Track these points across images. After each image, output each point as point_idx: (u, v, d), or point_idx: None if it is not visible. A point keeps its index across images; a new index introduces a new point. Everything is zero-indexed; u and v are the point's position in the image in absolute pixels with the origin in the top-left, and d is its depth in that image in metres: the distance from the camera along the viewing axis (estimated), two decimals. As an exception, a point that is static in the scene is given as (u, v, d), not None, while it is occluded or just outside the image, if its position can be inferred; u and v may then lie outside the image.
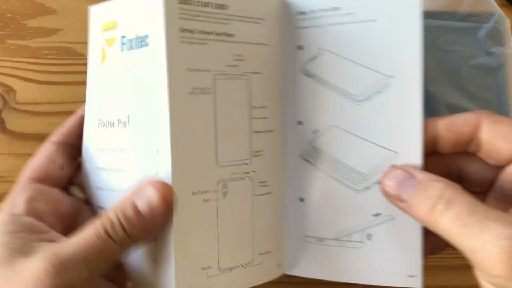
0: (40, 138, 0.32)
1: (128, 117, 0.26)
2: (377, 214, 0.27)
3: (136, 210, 0.23)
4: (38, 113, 0.36)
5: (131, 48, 0.26)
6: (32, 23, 0.37)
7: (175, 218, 0.24)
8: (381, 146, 0.26)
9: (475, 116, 0.24)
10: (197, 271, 0.25)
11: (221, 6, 0.26)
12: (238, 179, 0.26)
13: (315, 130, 0.27)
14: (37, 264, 0.21)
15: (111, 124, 0.27)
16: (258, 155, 0.27)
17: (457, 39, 0.33)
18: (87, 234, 0.23)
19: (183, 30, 0.25)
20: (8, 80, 0.36)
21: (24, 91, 0.36)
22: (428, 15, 0.33)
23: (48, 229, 0.24)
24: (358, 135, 0.27)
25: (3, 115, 0.36)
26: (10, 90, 0.36)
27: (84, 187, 0.29)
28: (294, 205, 0.28)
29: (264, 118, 0.27)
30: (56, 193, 0.27)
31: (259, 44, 0.27)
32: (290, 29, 0.28)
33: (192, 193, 0.25)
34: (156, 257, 0.25)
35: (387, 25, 0.26)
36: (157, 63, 0.25)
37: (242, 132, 0.26)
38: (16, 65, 0.36)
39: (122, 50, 0.27)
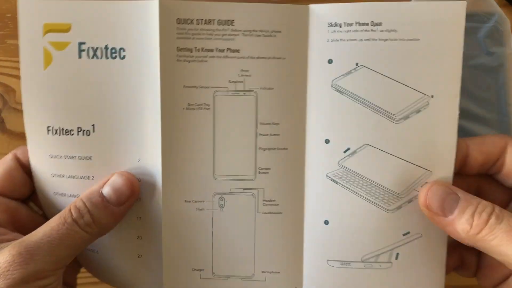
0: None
1: (93, 125, 0.27)
2: (406, 233, 0.27)
3: (102, 195, 0.26)
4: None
5: (95, 56, 0.27)
6: (31, 22, 0.36)
7: (163, 218, 0.27)
8: (416, 165, 0.27)
9: (502, 137, 0.26)
10: (187, 270, 0.28)
11: (226, 22, 0.26)
12: (238, 193, 0.27)
13: (346, 148, 0.27)
14: (4, 256, 0.22)
15: (68, 132, 0.27)
16: (265, 173, 0.27)
17: (457, 39, 0.33)
18: (53, 221, 0.24)
19: (181, 50, 0.26)
20: (8, 80, 0.37)
21: (24, 91, 0.36)
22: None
23: (9, 231, 0.25)
24: (392, 153, 0.27)
25: (3, 115, 0.36)
26: (10, 90, 0.36)
27: (38, 194, 0.29)
28: (317, 227, 0.28)
29: (275, 135, 0.27)
30: (14, 204, 0.27)
31: (271, 58, 0.27)
32: (320, 41, 0.27)
33: (185, 200, 0.27)
34: (142, 253, 0.28)
35: (430, 45, 0.26)
36: (145, 79, 0.27)
37: (245, 148, 0.27)
38: (16, 65, 0.36)
39: (80, 57, 0.27)
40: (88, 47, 0.27)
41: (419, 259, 0.27)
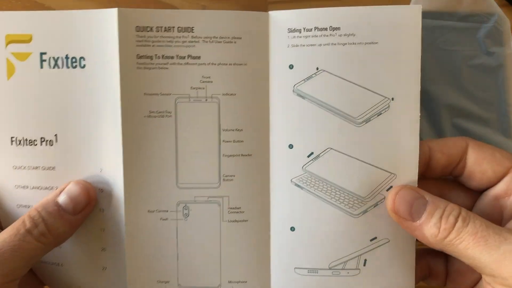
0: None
1: (55, 135, 0.27)
2: (373, 238, 0.27)
3: (58, 204, 0.25)
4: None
5: (56, 66, 0.27)
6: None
7: (126, 230, 0.27)
8: (380, 168, 0.27)
9: (463, 139, 0.26)
10: (152, 282, 0.27)
11: (186, 29, 0.26)
12: (202, 202, 0.27)
13: (310, 153, 0.27)
14: None
15: (31, 142, 0.27)
16: (229, 180, 0.27)
17: (457, 39, 0.33)
18: (5, 233, 0.24)
19: (141, 57, 0.26)
20: None
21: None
22: (428, 15, 0.33)
23: None
24: (356, 157, 0.27)
25: None
26: None
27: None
28: (283, 235, 0.28)
29: (238, 141, 0.27)
30: None
31: (232, 64, 0.27)
32: (280, 47, 0.27)
33: (148, 210, 0.27)
34: (106, 266, 0.27)
35: (388, 48, 0.26)
36: (105, 87, 0.27)
37: (208, 155, 0.27)
38: None
39: (42, 67, 0.27)
40: (49, 57, 0.27)
41: (388, 264, 0.27)
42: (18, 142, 0.27)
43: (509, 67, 0.33)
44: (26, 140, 0.27)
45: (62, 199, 0.25)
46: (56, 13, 0.27)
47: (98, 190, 0.27)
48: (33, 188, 0.28)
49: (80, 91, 0.27)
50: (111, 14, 0.26)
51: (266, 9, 0.27)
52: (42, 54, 0.27)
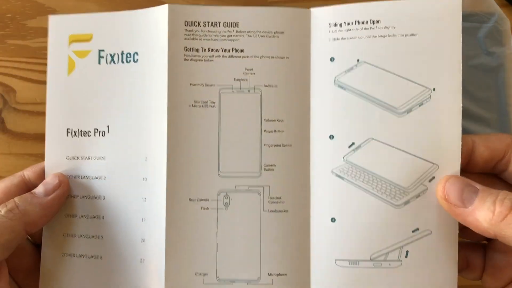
0: (40, 138, 0.34)
1: (108, 126, 0.29)
2: (415, 230, 0.27)
3: (32, 192, 0.27)
4: (38, 113, 0.37)
5: (112, 62, 0.29)
6: (32, 23, 0.37)
7: (167, 219, 0.27)
8: (422, 159, 0.27)
9: (508, 135, 0.26)
10: (190, 275, 0.27)
11: (231, 24, 0.27)
12: (243, 191, 0.27)
13: (351, 144, 0.27)
14: None
15: (86, 134, 0.29)
16: (270, 169, 0.28)
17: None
18: None
19: (188, 50, 0.28)
20: (8, 80, 0.37)
21: (24, 91, 0.37)
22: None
23: None
24: (398, 147, 0.27)
25: (3, 115, 0.37)
26: (10, 90, 0.37)
27: None
28: (324, 226, 0.28)
29: (279, 131, 0.28)
30: None
31: (274, 57, 0.28)
32: (321, 41, 0.28)
33: (189, 199, 0.27)
34: (144, 258, 0.28)
35: (429, 39, 0.27)
36: (154, 79, 0.28)
37: (250, 144, 0.28)
38: (16, 65, 0.37)
39: (99, 63, 0.29)
40: (107, 54, 0.29)
41: (430, 256, 0.26)
42: (73, 134, 0.29)
43: (509, 67, 0.33)
44: (81, 131, 0.29)
45: (36, 188, 0.28)
46: (115, 14, 0.29)
47: (141, 179, 0.28)
48: (83, 178, 0.29)
49: (133, 83, 0.29)
50: (163, 11, 0.28)
51: (308, 5, 0.29)
52: (100, 51, 0.29)
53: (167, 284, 0.27)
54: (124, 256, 0.28)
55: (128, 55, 0.29)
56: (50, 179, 0.28)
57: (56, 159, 0.29)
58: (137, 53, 0.29)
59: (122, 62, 0.29)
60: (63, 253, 0.29)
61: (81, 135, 0.29)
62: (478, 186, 0.24)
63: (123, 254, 0.28)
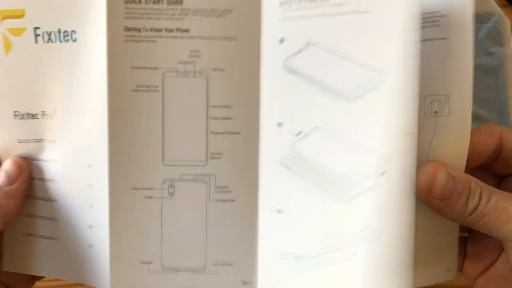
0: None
1: (54, 109, 0.28)
2: (364, 228, 0.25)
3: None
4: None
5: (50, 41, 0.27)
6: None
7: (110, 207, 0.27)
8: (372, 149, 0.25)
9: (497, 126, 0.27)
10: (135, 262, 0.27)
11: (175, 1, 0.25)
12: (188, 180, 0.26)
13: (298, 132, 0.26)
14: None
15: (33, 116, 0.28)
16: (217, 158, 0.27)
17: (457, 38, 0.32)
18: None
19: (129, 29, 0.26)
20: None
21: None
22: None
23: None
24: (348, 136, 0.25)
25: None
26: None
27: None
28: (270, 217, 0.27)
29: (227, 118, 0.26)
30: None
31: (222, 38, 0.26)
32: (271, 21, 0.26)
33: (133, 188, 0.27)
34: (92, 244, 0.28)
35: (383, 17, 0.24)
36: (94, 61, 0.26)
37: (196, 132, 0.26)
38: None
39: (36, 41, 0.27)
40: (43, 32, 0.27)
41: (380, 258, 0.25)
42: (21, 116, 0.28)
43: (509, 67, 0.32)
44: (29, 114, 0.28)
45: None
46: (46, -13, 0.27)
47: (87, 165, 0.27)
48: (37, 160, 0.28)
49: (74, 64, 0.27)
50: (100, -14, 0.26)
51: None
52: (35, 29, 0.27)
53: (112, 271, 0.27)
54: (75, 240, 0.28)
55: (66, 33, 0.27)
56: (10, 166, 0.27)
57: (8, 142, 0.28)
58: (74, 32, 0.27)
59: (60, 41, 0.27)
60: (23, 232, 0.29)
61: (30, 118, 0.28)
62: (453, 172, 0.25)
63: (74, 238, 0.28)
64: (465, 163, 0.26)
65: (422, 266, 0.26)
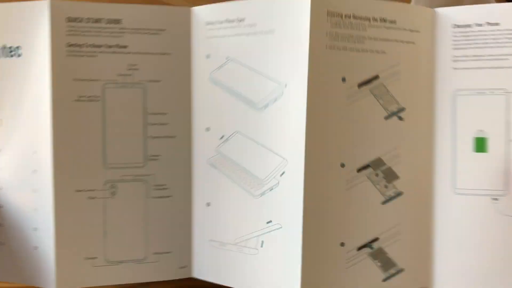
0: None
1: (0, 120, 0.30)
2: (269, 221, 0.29)
3: None
4: None
5: None
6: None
7: (55, 209, 0.29)
8: (274, 153, 0.29)
9: None
10: (80, 259, 0.29)
11: (114, 21, 0.28)
12: (129, 180, 0.29)
13: (221, 136, 0.30)
14: None
15: None
16: (155, 159, 0.30)
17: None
18: None
19: (71, 45, 0.29)
20: None
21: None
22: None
23: None
24: (257, 141, 0.29)
25: None
26: None
27: None
28: (201, 209, 0.31)
29: (163, 124, 0.30)
30: None
31: (158, 53, 0.30)
32: (200, 38, 0.30)
33: (76, 190, 0.29)
34: (38, 245, 0.29)
35: (282, 36, 0.28)
36: (39, 74, 0.29)
37: (135, 136, 0.30)
38: None
39: None
40: None
41: (279, 250, 0.28)
42: None
43: None
44: None
45: None
46: (-10, 5, 0.29)
47: (31, 171, 0.29)
48: None
49: (19, 78, 0.29)
50: (44, 6, 0.28)
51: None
52: None
53: (58, 269, 0.29)
54: (20, 243, 0.30)
55: (11, 49, 0.29)
56: None
57: None
58: (19, 47, 0.29)
59: (6, 56, 0.29)
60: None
61: None
62: None
63: (19, 241, 0.30)
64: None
65: None
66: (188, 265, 0.31)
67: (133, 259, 0.30)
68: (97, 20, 0.29)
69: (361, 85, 0.29)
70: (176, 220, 0.31)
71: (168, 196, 0.30)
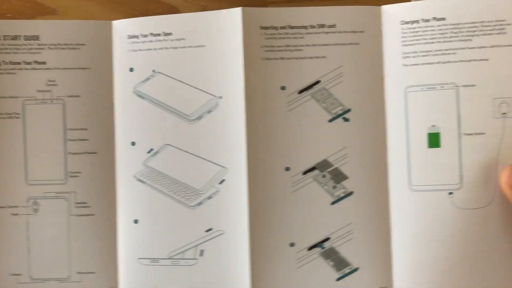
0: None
1: None
2: (209, 229, 0.29)
3: None
4: None
5: None
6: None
7: None
8: (213, 162, 0.29)
9: None
10: (4, 275, 0.30)
11: (32, 37, 0.28)
12: (51, 197, 0.29)
13: (150, 149, 0.30)
14: None
15: None
16: (76, 176, 0.29)
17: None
18: None
19: None
20: None
21: None
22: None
23: None
24: (190, 152, 0.29)
25: None
26: None
27: None
28: (128, 227, 0.30)
29: (84, 139, 0.29)
30: None
31: (77, 68, 0.30)
32: (121, 52, 0.30)
33: None
34: None
35: (215, 50, 0.29)
36: None
37: (55, 153, 0.30)
38: None
39: None
40: None
41: (224, 256, 0.29)
42: None
43: None
44: None
45: None
46: None
47: None
48: None
49: None
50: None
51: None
52: None
53: None
54: None
55: None
56: None
57: None
58: None
59: None
60: None
61: None
62: None
63: None
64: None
65: (495, 271, 0.27)
66: (114, 286, 0.30)
67: (57, 277, 0.30)
68: (15, 37, 0.29)
69: (301, 91, 0.29)
70: (100, 239, 0.30)
71: (90, 215, 0.30)
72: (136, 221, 0.30)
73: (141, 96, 0.30)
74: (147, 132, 0.30)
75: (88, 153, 0.30)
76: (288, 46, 0.29)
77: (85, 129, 0.30)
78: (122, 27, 0.30)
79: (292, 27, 0.29)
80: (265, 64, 0.29)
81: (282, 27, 0.29)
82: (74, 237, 0.30)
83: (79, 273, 0.30)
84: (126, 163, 0.30)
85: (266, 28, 0.29)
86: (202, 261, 0.29)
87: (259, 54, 0.28)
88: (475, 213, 0.28)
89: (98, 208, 0.30)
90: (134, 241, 0.30)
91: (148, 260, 0.30)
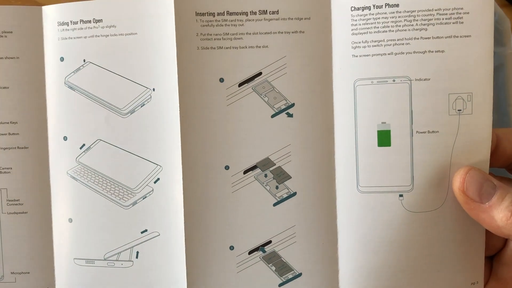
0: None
1: None
2: (144, 231, 0.28)
3: None
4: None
5: None
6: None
7: None
8: (147, 160, 0.28)
9: None
10: None
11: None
12: None
13: (82, 145, 0.28)
14: None
15: None
16: (7, 172, 0.28)
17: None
18: None
19: None
20: None
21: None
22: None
23: None
24: (124, 148, 0.28)
25: None
26: None
27: None
28: (62, 226, 0.29)
29: (14, 134, 0.28)
30: None
31: (4, 58, 0.28)
32: (51, 40, 0.28)
33: None
34: None
35: (147, 39, 0.27)
36: None
37: None
38: None
39: None
40: None
41: (159, 258, 0.28)
42: None
43: (509, 67, 0.32)
44: None
45: None
46: None
47: None
48: None
49: None
50: None
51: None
52: None
53: None
54: None
55: None
56: None
57: None
58: None
59: None
60: None
61: None
62: (496, 182, 0.24)
63: None
64: (488, 162, 0.25)
65: (445, 276, 0.26)
66: (50, 286, 0.29)
67: (-10, 277, 0.29)
68: None
69: (242, 84, 0.27)
70: (35, 238, 0.29)
71: (23, 213, 0.29)
72: (70, 220, 0.28)
73: (71, 87, 0.28)
74: (79, 127, 0.28)
75: (19, 148, 0.28)
76: (226, 34, 0.26)
77: (15, 122, 0.28)
78: (52, 13, 0.28)
79: (230, 13, 0.26)
80: (201, 54, 0.26)
81: (219, 13, 0.26)
82: (6, 236, 0.29)
83: (13, 273, 0.29)
84: (59, 159, 0.29)
85: (202, 14, 0.26)
86: (138, 263, 0.28)
87: (195, 42, 0.26)
88: (426, 216, 0.26)
89: (31, 205, 0.29)
90: (69, 240, 0.29)
91: (84, 261, 0.28)
